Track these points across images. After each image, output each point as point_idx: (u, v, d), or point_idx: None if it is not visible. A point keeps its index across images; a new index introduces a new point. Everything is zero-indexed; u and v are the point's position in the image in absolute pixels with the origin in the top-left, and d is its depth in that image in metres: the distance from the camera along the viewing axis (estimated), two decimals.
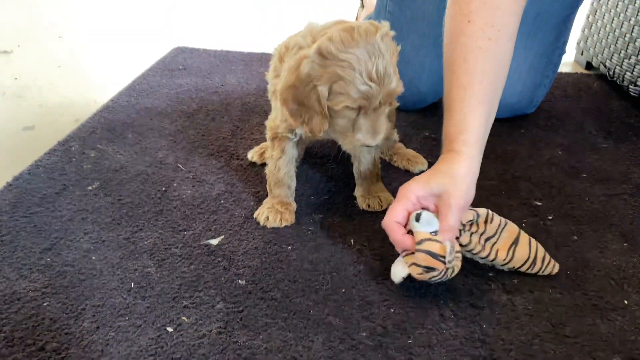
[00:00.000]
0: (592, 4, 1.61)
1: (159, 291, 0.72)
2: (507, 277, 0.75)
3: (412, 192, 0.72)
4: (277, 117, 0.84)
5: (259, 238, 0.83)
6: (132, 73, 1.50)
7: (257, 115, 1.25)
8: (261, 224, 0.86)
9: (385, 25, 0.73)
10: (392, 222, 0.72)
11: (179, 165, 1.03)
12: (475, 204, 0.92)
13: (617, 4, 1.46)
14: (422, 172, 1.01)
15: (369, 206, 0.90)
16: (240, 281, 0.74)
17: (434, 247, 0.67)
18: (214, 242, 0.81)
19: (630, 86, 1.37)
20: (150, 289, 0.72)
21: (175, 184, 0.96)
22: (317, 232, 0.85)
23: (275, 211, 0.86)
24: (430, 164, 1.05)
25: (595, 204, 0.94)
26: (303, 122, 0.75)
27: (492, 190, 0.97)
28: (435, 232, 0.69)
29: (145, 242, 0.81)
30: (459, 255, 0.71)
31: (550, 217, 0.89)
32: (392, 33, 0.74)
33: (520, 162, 1.07)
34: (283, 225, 0.86)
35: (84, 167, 1.01)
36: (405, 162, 1.03)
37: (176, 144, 1.11)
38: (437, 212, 0.72)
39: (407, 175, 1.02)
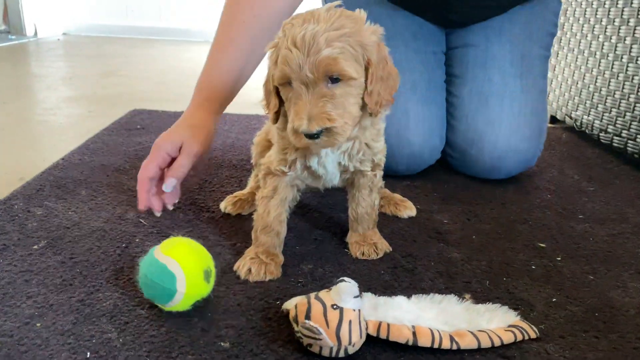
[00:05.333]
0: (550, 60, 1.65)
1: None
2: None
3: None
4: (273, 154, 0.77)
5: (241, 293, 0.71)
6: (85, 135, 1.38)
7: (226, 169, 1.16)
8: (242, 277, 0.74)
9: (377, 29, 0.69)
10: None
11: (140, 220, 0.90)
12: (477, 248, 0.85)
13: (577, 58, 1.50)
14: (411, 217, 0.95)
15: (363, 254, 0.80)
16: (223, 344, 0.61)
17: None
18: None
19: (601, 134, 1.37)
20: (111, 358, 0.58)
21: (137, 240, 0.84)
22: (308, 284, 0.73)
23: (259, 262, 0.74)
24: (417, 210, 0.97)
25: (600, 244, 0.87)
26: (268, 108, 0.74)
27: (491, 234, 0.89)
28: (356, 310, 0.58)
29: (104, 304, 0.67)
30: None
31: (559, 259, 0.82)
32: (379, 30, 0.70)
33: (512, 206, 1.01)
34: (268, 279, 0.74)
35: (29, 226, 0.87)
36: (393, 207, 0.95)
37: (137, 198, 0.99)
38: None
39: (396, 220, 0.93)
